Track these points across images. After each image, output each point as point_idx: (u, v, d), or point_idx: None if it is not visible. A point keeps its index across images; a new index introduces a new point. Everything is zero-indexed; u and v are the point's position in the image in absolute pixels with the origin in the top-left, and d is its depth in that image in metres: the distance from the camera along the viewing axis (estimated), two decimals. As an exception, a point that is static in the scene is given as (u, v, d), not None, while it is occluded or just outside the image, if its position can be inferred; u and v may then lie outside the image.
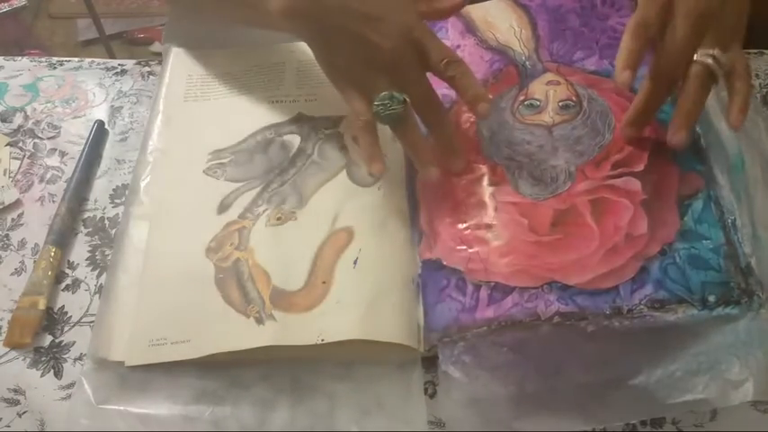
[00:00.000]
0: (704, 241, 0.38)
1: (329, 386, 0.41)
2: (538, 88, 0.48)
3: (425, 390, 0.41)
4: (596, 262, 0.39)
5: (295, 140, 0.50)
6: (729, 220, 0.39)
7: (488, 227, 0.42)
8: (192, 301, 0.42)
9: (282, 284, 0.43)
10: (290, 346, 0.40)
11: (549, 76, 0.49)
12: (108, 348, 0.41)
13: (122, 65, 0.59)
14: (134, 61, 0.59)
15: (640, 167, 0.42)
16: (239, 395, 0.40)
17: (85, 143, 0.53)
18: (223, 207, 0.46)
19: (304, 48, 0.47)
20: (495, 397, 0.37)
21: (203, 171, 0.48)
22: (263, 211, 0.46)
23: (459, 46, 0.53)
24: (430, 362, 0.41)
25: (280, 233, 0.45)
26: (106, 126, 0.54)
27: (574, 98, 0.47)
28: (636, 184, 0.41)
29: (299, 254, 0.44)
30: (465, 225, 0.42)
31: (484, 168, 0.45)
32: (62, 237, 0.47)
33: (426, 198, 0.46)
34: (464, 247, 0.42)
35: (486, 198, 0.43)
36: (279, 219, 0.46)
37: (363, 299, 0.42)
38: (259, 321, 0.41)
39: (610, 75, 0.47)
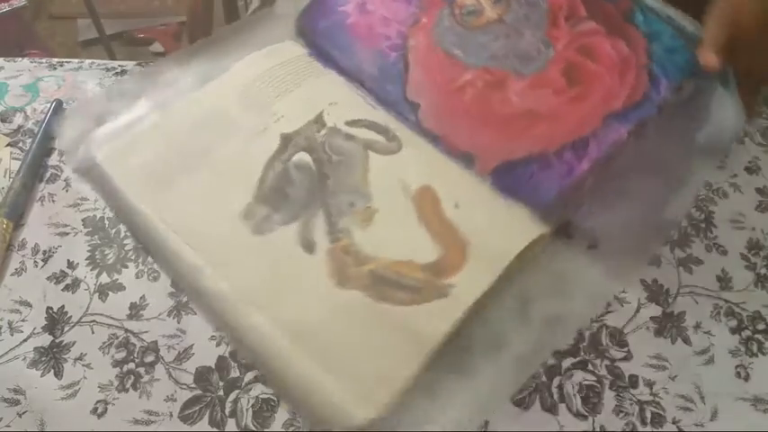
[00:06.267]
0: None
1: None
2: None
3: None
4: (619, 85, 0.44)
5: (303, 157, 0.48)
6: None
7: (529, 113, 0.44)
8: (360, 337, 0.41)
9: (426, 261, 0.42)
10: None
11: None
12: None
13: (122, 66, 0.59)
14: (134, 63, 0.59)
15: (583, 13, 0.47)
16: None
17: (43, 120, 0.55)
18: (309, 245, 0.43)
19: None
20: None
21: (253, 233, 0.44)
22: (346, 225, 0.44)
23: None
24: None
25: (378, 230, 0.44)
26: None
27: None
28: (602, 15, 0.47)
29: (410, 234, 0.43)
30: (510, 127, 0.45)
31: (483, 76, 0.47)
32: (15, 210, 0.49)
33: (461, 126, 0.47)
34: (521, 142, 0.44)
35: (507, 96, 0.46)
36: (365, 220, 0.45)
37: (490, 221, 0.43)
38: (441, 296, 0.41)
39: None
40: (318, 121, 0.50)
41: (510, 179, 0.45)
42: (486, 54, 0.48)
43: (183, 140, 0.47)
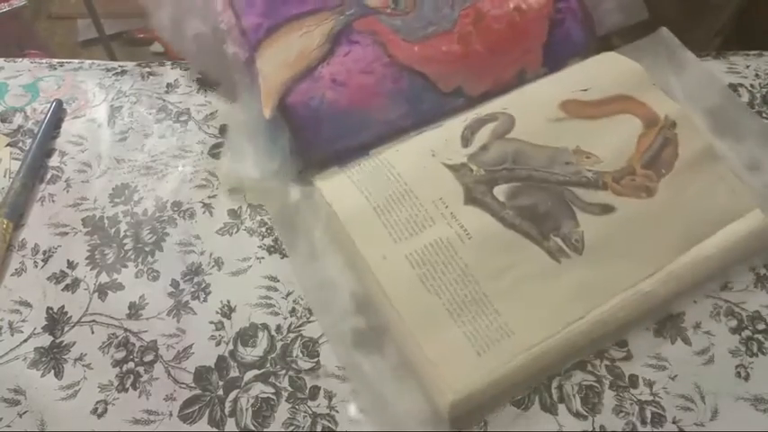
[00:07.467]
0: None
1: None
2: None
3: (425, 389, 0.41)
4: None
5: (508, 187, 0.46)
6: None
7: (516, 9, 0.51)
8: None
9: (645, 125, 0.48)
10: None
11: None
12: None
13: (122, 66, 0.59)
14: (134, 63, 0.59)
15: None
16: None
17: (43, 120, 0.54)
18: (607, 208, 0.45)
19: None
20: None
21: (577, 253, 0.43)
22: (596, 174, 0.46)
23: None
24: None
25: (601, 151, 0.47)
26: (106, 124, 0.55)
27: None
28: None
29: (609, 130, 0.48)
30: (518, 27, 0.51)
31: (464, 21, 0.50)
32: (15, 210, 0.49)
33: (493, 64, 0.51)
34: (536, 30, 0.52)
35: (492, 14, 0.51)
36: (589, 158, 0.47)
37: (601, 75, 0.51)
38: (674, 126, 0.49)
39: None
40: (458, 168, 0.46)
41: (554, 56, 0.52)
42: (445, 11, 0.51)
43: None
